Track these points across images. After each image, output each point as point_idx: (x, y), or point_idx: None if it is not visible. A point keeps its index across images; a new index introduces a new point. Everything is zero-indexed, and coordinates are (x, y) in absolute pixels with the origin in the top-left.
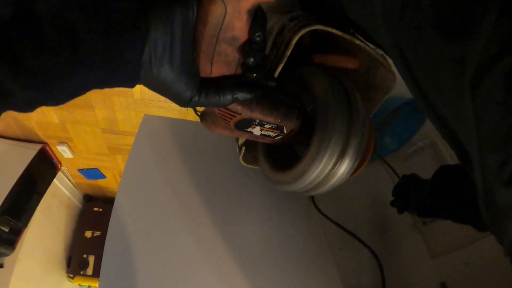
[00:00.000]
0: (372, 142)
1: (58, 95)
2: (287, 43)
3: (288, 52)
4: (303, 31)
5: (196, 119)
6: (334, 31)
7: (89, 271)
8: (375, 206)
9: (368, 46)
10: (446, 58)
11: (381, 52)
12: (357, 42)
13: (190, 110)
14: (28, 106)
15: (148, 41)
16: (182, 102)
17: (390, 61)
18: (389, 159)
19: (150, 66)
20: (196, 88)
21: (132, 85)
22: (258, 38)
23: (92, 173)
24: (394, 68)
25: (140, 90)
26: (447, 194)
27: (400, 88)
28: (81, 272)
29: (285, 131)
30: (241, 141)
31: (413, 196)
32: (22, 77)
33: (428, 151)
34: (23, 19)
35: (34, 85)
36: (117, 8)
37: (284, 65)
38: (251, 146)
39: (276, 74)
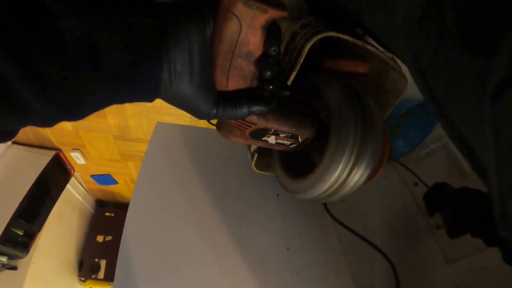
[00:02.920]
0: (387, 147)
1: (79, 111)
2: (299, 50)
3: (301, 60)
4: (315, 38)
5: (207, 125)
6: (346, 37)
7: (101, 275)
8: (387, 211)
9: (379, 50)
10: (466, 71)
11: (391, 55)
12: (369, 47)
13: None
14: (48, 122)
15: (168, 58)
16: (201, 115)
17: (400, 63)
18: (401, 162)
19: (170, 83)
20: (213, 102)
21: (151, 100)
22: (273, 52)
23: (105, 179)
24: (405, 70)
25: None
26: (473, 211)
27: (411, 90)
28: (93, 276)
29: (299, 140)
30: (253, 147)
31: (442, 209)
32: (46, 94)
33: (441, 154)
34: (47, 37)
35: (56, 103)
36: (138, 25)
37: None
38: (263, 152)
39: (289, 82)
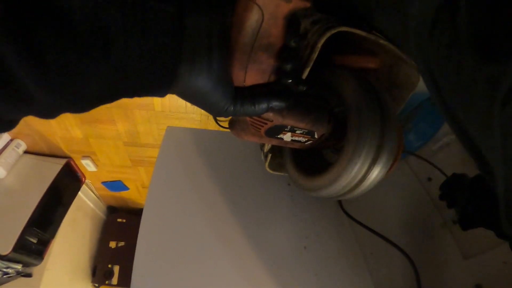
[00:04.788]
0: (402, 142)
1: (83, 100)
2: (312, 46)
3: (315, 56)
4: (328, 34)
5: (218, 128)
6: (359, 32)
7: (114, 280)
8: (402, 206)
9: (391, 44)
10: (477, 77)
11: None
12: (382, 41)
13: (210, 119)
14: (50, 111)
15: (186, 49)
16: (218, 112)
17: None
18: (414, 157)
19: (187, 75)
20: (231, 97)
21: (164, 94)
22: (294, 44)
23: (116, 185)
24: None
25: (160, 102)
26: (485, 202)
27: (422, 84)
28: (106, 282)
29: (315, 136)
30: (266, 148)
31: (457, 199)
32: (47, 78)
33: (454, 147)
34: (52, 16)
35: (58, 90)
36: (156, 9)
37: None
38: (276, 152)
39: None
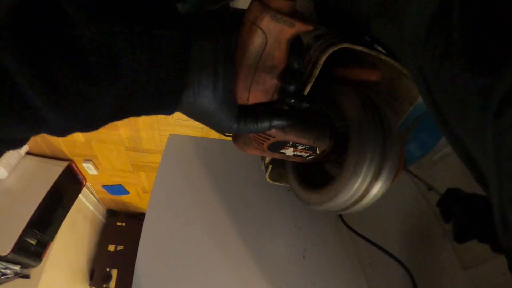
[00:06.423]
0: (403, 155)
1: (94, 123)
2: (314, 62)
3: (317, 72)
4: (330, 50)
5: (220, 136)
6: (361, 48)
7: (112, 284)
8: (402, 217)
9: (392, 58)
10: (471, 88)
11: None
12: (383, 57)
13: None
14: (62, 132)
15: (192, 73)
16: (221, 130)
17: None
18: (414, 167)
19: (193, 97)
20: (235, 116)
21: (170, 114)
22: (297, 66)
23: (116, 189)
24: None
25: None
26: (482, 217)
27: None
28: (104, 286)
29: (317, 151)
30: (267, 159)
31: (453, 212)
32: (60, 105)
33: (454, 157)
34: (65, 46)
35: (71, 115)
36: (162, 37)
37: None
38: (277, 163)
39: (305, 93)
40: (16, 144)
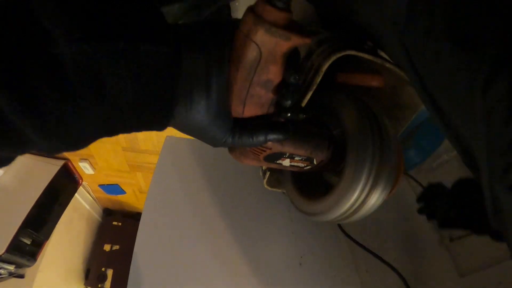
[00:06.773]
0: (402, 164)
1: (81, 143)
2: (316, 69)
3: (318, 79)
4: (333, 57)
5: None
6: (366, 56)
7: (107, 284)
8: (400, 224)
9: (397, 67)
10: (457, 65)
11: None
12: (388, 65)
13: None
14: (49, 152)
15: (183, 89)
16: (216, 144)
17: None
18: (413, 173)
19: (184, 114)
20: (229, 130)
21: (162, 130)
22: (293, 80)
23: (112, 188)
24: None
25: None
26: (468, 205)
27: None
28: (99, 285)
29: (314, 162)
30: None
31: (437, 206)
32: (43, 128)
33: (453, 164)
34: (46, 66)
35: (56, 136)
36: (148, 52)
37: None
38: (274, 169)
39: (305, 101)
40: (2, 163)
